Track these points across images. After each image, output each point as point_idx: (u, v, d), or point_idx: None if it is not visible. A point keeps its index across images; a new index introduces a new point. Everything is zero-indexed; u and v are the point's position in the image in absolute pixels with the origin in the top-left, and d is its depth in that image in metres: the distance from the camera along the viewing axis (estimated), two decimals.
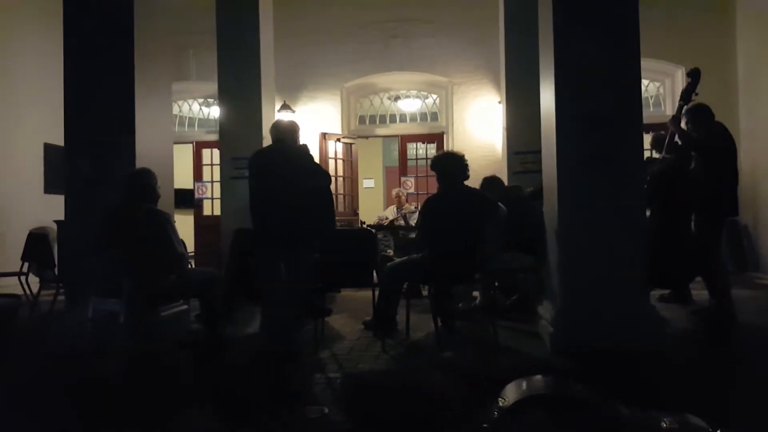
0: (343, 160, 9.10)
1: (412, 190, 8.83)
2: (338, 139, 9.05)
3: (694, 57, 6.62)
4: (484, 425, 1.54)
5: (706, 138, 4.58)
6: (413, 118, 9.52)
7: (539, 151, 6.32)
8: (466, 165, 4.17)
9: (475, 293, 5.28)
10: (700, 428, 1.31)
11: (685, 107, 4.69)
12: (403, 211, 7.97)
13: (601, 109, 3.86)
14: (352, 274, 4.32)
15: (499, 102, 8.47)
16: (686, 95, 4.65)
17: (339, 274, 4.27)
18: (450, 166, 4.13)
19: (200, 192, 9.79)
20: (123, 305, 3.57)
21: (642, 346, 3.60)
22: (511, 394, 1.46)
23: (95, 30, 4.41)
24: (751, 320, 4.62)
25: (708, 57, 7.52)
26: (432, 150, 9.02)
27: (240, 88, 7.09)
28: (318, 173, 3.96)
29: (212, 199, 9.44)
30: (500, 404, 1.45)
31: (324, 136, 8.90)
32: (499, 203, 4.34)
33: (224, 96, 7.16)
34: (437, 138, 9.19)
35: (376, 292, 4.45)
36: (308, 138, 9.23)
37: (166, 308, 4.37)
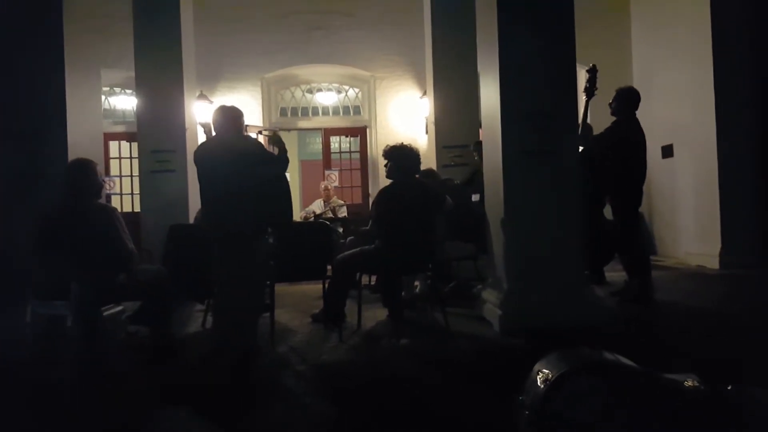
0: None
1: (336, 184, 8.86)
2: (260, 132, 8.81)
3: (593, 57, 7.18)
4: (520, 398, 1.66)
5: (621, 129, 4.99)
6: (336, 111, 9.54)
7: (467, 146, 6.72)
8: (419, 158, 4.30)
9: (416, 282, 5.45)
10: (714, 386, 1.49)
11: (616, 91, 5.05)
12: (331, 204, 7.99)
13: (541, 105, 4.14)
14: (307, 268, 4.30)
15: (421, 97, 8.72)
16: (589, 91, 5.05)
17: (294, 267, 4.23)
18: (405, 158, 4.24)
19: (109, 187, 9.21)
20: (72, 308, 3.34)
21: (583, 325, 3.92)
22: (552, 366, 1.57)
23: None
24: (662, 298, 5.15)
25: (606, 57, 8.16)
26: (355, 143, 9.10)
27: (159, 78, 6.73)
28: (267, 160, 3.86)
29: (121, 194, 8.89)
30: (540, 377, 1.56)
31: (246, 128, 8.65)
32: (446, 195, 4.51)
33: (142, 86, 6.77)
34: (360, 132, 9.28)
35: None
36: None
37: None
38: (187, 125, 6.87)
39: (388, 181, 8.51)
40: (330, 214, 7.76)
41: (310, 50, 8.98)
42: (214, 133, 3.90)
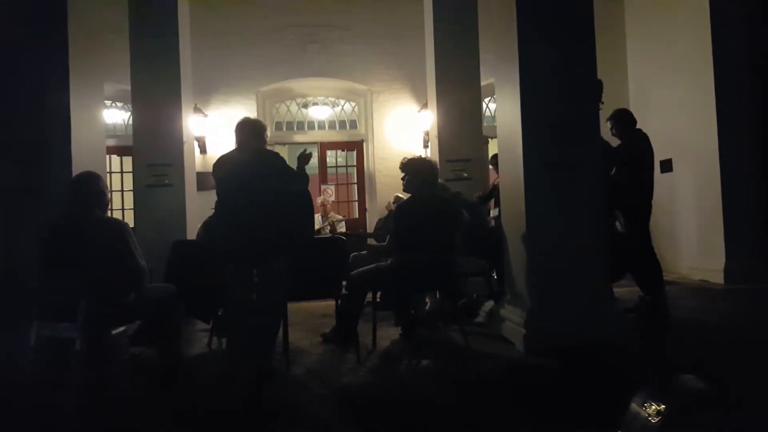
0: None
1: (332, 198, 8.70)
2: None
3: None
4: (619, 430, 1.52)
5: (631, 146, 4.96)
6: (332, 126, 9.41)
7: (470, 160, 6.64)
8: (437, 171, 4.18)
9: (426, 299, 5.30)
10: None
11: (611, 117, 5.05)
12: (330, 219, 7.82)
13: (563, 117, 4.05)
14: (321, 286, 4.12)
15: (420, 110, 8.64)
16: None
17: (308, 285, 4.05)
18: (423, 170, 4.11)
19: None
20: (79, 330, 3.12)
21: (608, 343, 3.81)
22: (658, 398, 1.44)
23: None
24: (674, 314, 5.06)
25: (602, 74, 8.16)
26: (351, 158, 8.97)
27: (156, 91, 6.54)
28: (289, 175, 3.71)
29: (111, 209, 8.62)
30: (651, 410, 1.43)
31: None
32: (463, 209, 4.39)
33: (138, 99, 6.57)
34: (357, 146, 9.16)
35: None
36: (225, 143, 8.80)
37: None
38: (184, 139, 6.68)
39: (385, 196, 8.47)
40: (328, 229, 7.59)
41: (305, 64, 8.87)
42: (235, 146, 3.74)
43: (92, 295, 3.18)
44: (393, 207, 7.27)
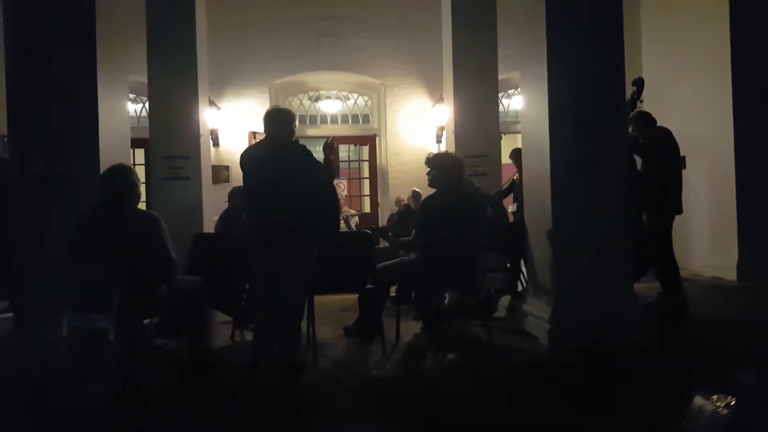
0: None
1: (345, 193, 8.71)
2: None
3: None
4: (683, 423, 1.54)
5: (653, 140, 4.97)
6: (345, 120, 9.40)
7: (487, 155, 6.64)
8: (463, 166, 4.18)
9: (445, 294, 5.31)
10: None
11: (630, 114, 5.06)
12: (344, 214, 7.82)
13: (591, 115, 4.06)
14: (347, 279, 4.13)
15: (433, 105, 8.64)
16: (632, 103, 5.01)
17: (335, 278, 4.07)
18: (449, 166, 4.11)
19: None
20: (114, 321, 3.14)
21: (632, 339, 3.83)
22: (722, 392, 1.46)
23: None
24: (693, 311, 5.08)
25: None
26: (364, 152, 8.98)
27: (173, 83, 6.51)
28: (315, 169, 3.73)
29: None
30: (718, 404, 1.44)
31: (254, 136, 8.51)
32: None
33: (155, 90, 6.55)
34: (369, 140, 9.15)
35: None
36: (237, 136, 8.81)
37: None
38: (201, 132, 6.68)
39: (397, 191, 8.48)
40: (343, 224, 7.60)
41: (319, 57, 8.85)
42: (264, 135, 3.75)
43: (126, 287, 3.19)
44: (409, 202, 7.30)
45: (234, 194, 5.20)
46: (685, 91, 7.89)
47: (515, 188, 6.22)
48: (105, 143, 3.98)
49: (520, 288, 5.76)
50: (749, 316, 5.10)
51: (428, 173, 4.26)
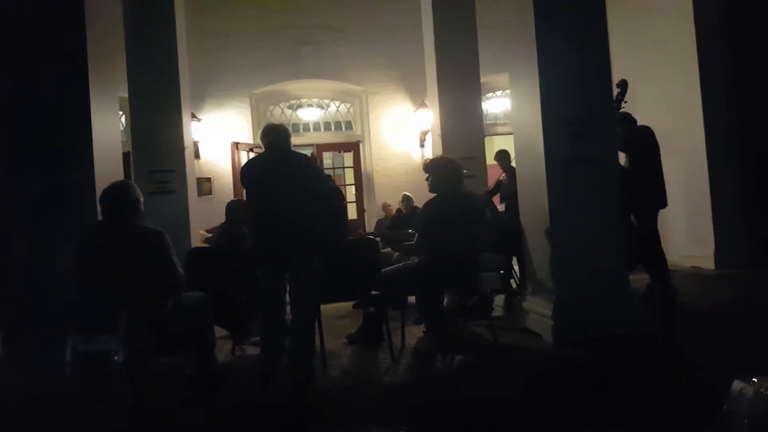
0: None
1: None
2: (251, 149, 8.64)
3: None
4: (724, 406, 1.60)
5: (637, 139, 5.12)
6: (327, 127, 9.40)
7: (474, 157, 6.73)
8: (461, 169, 4.24)
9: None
10: None
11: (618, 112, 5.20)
12: None
13: (582, 113, 4.15)
14: (353, 287, 4.14)
15: (416, 110, 8.71)
16: (617, 104, 5.16)
17: (340, 286, 4.07)
18: (448, 169, 4.16)
19: None
20: (122, 342, 3.08)
21: (632, 331, 3.93)
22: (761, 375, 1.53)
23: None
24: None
25: None
26: (349, 159, 9.00)
27: (155, 95, 6.44)
28: (317, 176, 3.74)
29: None
30: (762, 388, 1.50)
31: (236, 146, 8.44)
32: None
33: (137, 103, 6.45)
34: (353, 147, 9.17)
35: None
36: (219, 147, 8.73)
37: None
38: (185, 144, 6.60)
39: (383, 196, 8.51)
40: None
41: (300, 66, 8.85)
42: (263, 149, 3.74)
43: (134, 306, 3.14)
44: (401, 206, 7.34)
45: (233, 208, 5.14)
46: (655, 89, 8.11)
47: (501, 188, 6.30)
48: (99, 158, 3.92)
49: (513, 286, 5.85)
50: (733, 303, 5.29)
51: (427, 179, 4.30)
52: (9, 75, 3.76)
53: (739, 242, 7.04)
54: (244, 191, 3.76)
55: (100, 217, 3.67)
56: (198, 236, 6.89)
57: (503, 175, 6.27)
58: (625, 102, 5.07)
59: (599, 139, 4.21)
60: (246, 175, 3.74)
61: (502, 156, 6.24)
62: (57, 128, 3.78)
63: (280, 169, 3.59)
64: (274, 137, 3.74)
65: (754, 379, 1.55)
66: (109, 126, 4.17)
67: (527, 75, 4.33)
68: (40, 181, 3.69)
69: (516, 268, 5.75)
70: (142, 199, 3.45)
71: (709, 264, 7.13)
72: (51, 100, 3.77)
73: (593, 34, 4.24)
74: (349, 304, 5.92)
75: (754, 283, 6.12)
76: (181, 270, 3.38)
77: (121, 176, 4.31)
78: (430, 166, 4.26)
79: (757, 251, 6.92)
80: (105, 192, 3.39)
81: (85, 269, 3.22)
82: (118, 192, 3.33)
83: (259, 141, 8.73)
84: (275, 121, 8.83)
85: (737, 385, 1.60)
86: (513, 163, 6.23)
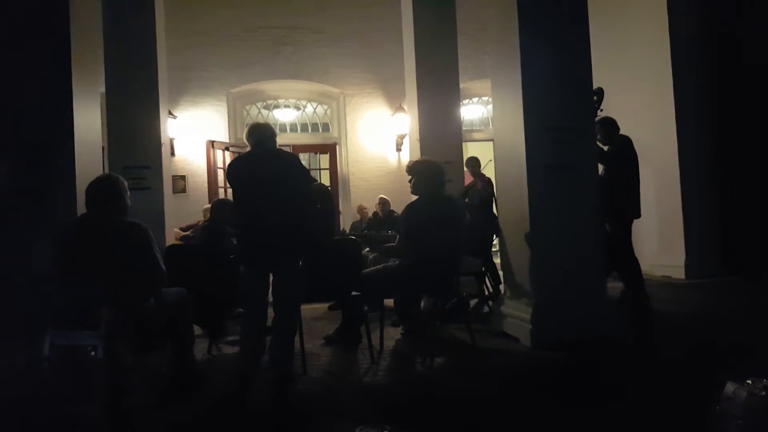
0: None
1: None
2: (226, 148, 8.56)
3: None
4: (717, 407, 1.66)
5: (617, 150, 5.25)
6: (304, 128, 9.37)
7: (452, 162, 6.78)
8: (444, 172, 4.27)
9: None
10: None
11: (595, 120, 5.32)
12: None
13: (563, 120, 4.25)
14: (333, 287, 4.13)
15: (393, 114, 8.75)
16: (593, 112, 5.28)
17: (321, 286, 4.05)
18: (429, 172, 4.19)
19: None
20: (103, 337, 3.01)
21: (609, 335, 4.02)
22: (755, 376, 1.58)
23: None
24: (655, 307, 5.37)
25: None
26: (325, 161, 8.98)
27: (132, 90, 6.36)
28: (304, 175, 3.72)
29: None
30: (755, 387, 1.56)
31: (212, 144, 8.35)
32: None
33: (113, 98, 6.35)
34: (330, 149, 9.16)
35: None
36: (194, 145, 8.62)
37: None
38: (162, 140, 6.52)
39: (359, 199, 8.52)
40: None
41: (278, 66, 8.81)
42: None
43: (115, 301, 3.08)
44: (378, 209, 7.35)
45: (218, 208, 5.06)
46: (629, 99, 8.28)
47: (471, 193, 6.36)
48: (80, 154, 3.84)
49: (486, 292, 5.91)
50: (701, 310, 5.45)
51: (410, 180, 4.32)
52: None
53: (709, 252, 7.24)
54: (231, 190, 3.72)
55: (80, 212, 3.62)
56: (172, 234, 6.80)
57: (474, 180, 6.36)
58: (601, 110, 5.19)
59: (580, 145, 4.31)
60: (233, 173, 3.71)
61: (473, 163, 6.34)
62: (38, 121, 3.69)
63: (268, 167, 3.57)
64: (260, 136, 3.71)
65: (748, 381, 1.60)
66: (91, 120, 4.09)
67: (509, 81, 4.40)
68: (23, 177, 3.60)
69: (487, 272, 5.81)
70: (128, 194, 3.40)
71: (679, 274, 7.31)
72: (33, 93, 3.68)
73: (576, 41, 4.35)
74: (325, 305, 5.92)
75: (726, 292, 6.30)
76: (163, 265, 3.33)
77: (100, 171, 4.21)
78: (413, 169, 4.28)
79: (728, 261, 7.13)
80: (92, 184, 3.32)
81: (66, 262, 3.15)
82: (105, 185, 3.27)
83: (234, 140, 8.72)
84: (260, 121, 8.81)
85: (730, 386, 1.65)
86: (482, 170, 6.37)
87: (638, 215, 5.49)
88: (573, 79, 4.32)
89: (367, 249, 5.38)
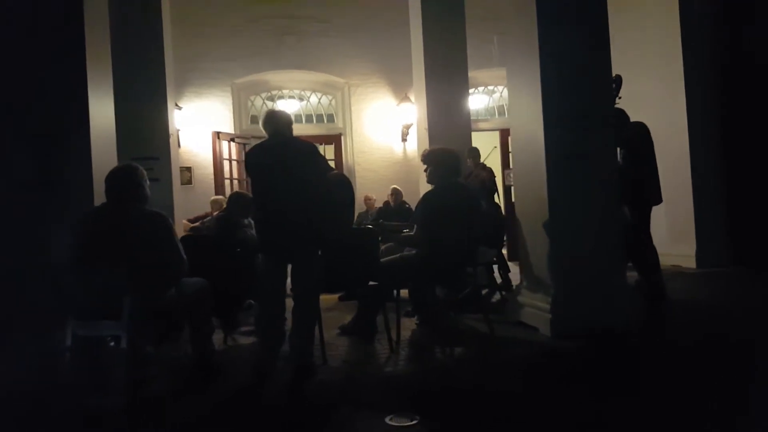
0: (238, 162, 8.56)
1: None
2: (232, 139, 8.49)
3: None
4: None
5: (632, 135, 5.20)
6: (309, 119, 9.30)
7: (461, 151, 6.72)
8: (459, 160, 4.23)
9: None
10: None
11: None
12: None
13: (581, 108, 4.19)
14: (351, 278, 4.09)
15: (398, 104, 8.68)
16: (611, 99, 5.23)
17: (338, 277, 4.01)
18: (446, 161, 4.14)
19: None
20: (125, 327, 2.98)
21: (628, 324, 4.00)
22: None
23: None
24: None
25: None
26: (330, 151, 8.92)
27: (141, 81, 6.32)
28: (321, 163, 3.69)
29: None
30: None
31: (218, 135, 8.28)
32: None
33: (121, 89, 6.24)
34: (335, 139, 9.10)
35: None
36: (198, 137, 8.55)
37: None
38: (170, 131, 6.46)
39: (365, 189, 8.46)
40: None
41: (282, 56, 8.72)
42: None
43: (137, 291, 3.04)
44: (390, 199, 7.30)
45: (235, 200, 4.99)
46: (639, 88, 8.20)
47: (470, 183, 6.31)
48: (96, 144, 3.81)
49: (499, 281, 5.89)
50: (715, 300, 5.44)
51: (425, 170, 4.28)
52: (3, 59, 3.61)
53: (720, 242, 7.22)
54: (250, 179, 3.68)
55: (96, 202, 3.57)
56: (181, 226, 6.75)
57: (475, 171, 6.30)
58: (620, 98, 5.14)
59: (599, 133, 4.26)
60: (251, 163, 3.67)
61: (474, 153, 6.30)
62: (53, 113, 3.65)
63: (286, 157, 3.52)
64: (278, 125, 3.66)
65: None
66: (104, 111, 4.05)
67: (527, 69, 4.35)
68: (38, 167, 3.56)
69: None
70: (147, 183, 3.37)
71: (690, 263, 7.29)
72: (49, 84, 3.63)
73: (595, 27, 4.27)
74: (335, 296, 5.88)
75: (739, 282, 6.27)
76: (184, 255, 3.30)
77: (115, 162, 4.15)
78: (428, 158, 4.24)
79: (739, 251, 7.11)
80: (111, 173, 3.30)
81: (86, 252, 3.10)
82: (124, 173, 3.25)
83: (239, 131, 8.66)
84: (276, 108, 8.75)
85: None
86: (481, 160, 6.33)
87: (658, 201, 5.43)
88: (592, 65, 4.26)
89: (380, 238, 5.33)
